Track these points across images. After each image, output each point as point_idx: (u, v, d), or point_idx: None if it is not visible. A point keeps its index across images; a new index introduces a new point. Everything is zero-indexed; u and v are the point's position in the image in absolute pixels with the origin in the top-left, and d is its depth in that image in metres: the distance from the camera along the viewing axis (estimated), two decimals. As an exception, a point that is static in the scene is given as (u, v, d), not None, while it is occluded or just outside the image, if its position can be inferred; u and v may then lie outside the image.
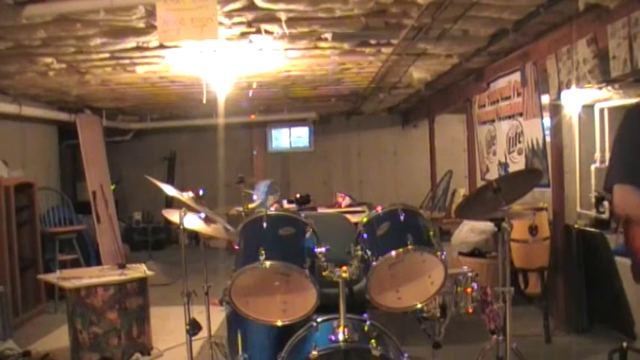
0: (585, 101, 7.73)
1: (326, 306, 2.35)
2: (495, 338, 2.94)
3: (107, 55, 4.35)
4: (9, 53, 4.11)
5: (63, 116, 6.99)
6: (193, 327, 2.98)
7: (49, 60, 4.43)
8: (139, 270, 4.19)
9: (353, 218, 4.28)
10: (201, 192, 3.02)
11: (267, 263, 2.22)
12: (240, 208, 5.53)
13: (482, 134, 5.67)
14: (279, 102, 8.06)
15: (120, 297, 3.90)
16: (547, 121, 4.32)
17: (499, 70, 5.00)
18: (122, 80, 5.54)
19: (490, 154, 5.48)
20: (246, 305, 2.36)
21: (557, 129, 4.32)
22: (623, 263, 4.23)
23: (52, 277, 4.23)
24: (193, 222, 2.99)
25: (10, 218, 5.04)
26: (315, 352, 2.20)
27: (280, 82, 6.11)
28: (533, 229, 4.13)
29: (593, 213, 8.09)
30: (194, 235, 5.82)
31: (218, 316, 4.14)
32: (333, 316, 2.40)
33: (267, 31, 3.83)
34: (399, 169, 9.95)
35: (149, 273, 4.15)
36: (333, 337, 2.29)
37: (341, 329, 2.29)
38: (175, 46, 4.11)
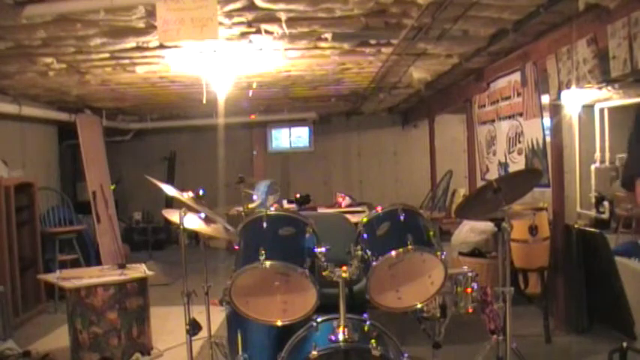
0: (585, 101, 7.73)
1: (326, 306, 2.35)
2: (495, 338, 2.94)
3: (107, 55, 4.35)
4: (9, 53, 4.11)
5: (63, 116, 6.99)
6: (193, 327, 2.97)
7: (49, 60, 4.43)
8: (139, 270, 4.19)
9: (353, 218, 4.29)
10: (201, 192, 3.02)
11: (267, 263, 2.22)
12: (240, 208, 5.53)
13: (483, 134, 5.67)
14: (279, 102, 8.06)
15: (120, 297, 3.90)
16: (547, 121, 4.32)
17: (499, 70, 5.00)
18: (122, 80, 5.54)
19: (490, 154, 5.48)
20: (246, 305, 2.36)
21: (557, 129, 4.32)
22: (623, 263, 4.25)
23: (52, 277, 4.23)
24: (193, 222, 2.99)
25: (10, 218, 5.04)
26: (315, 352, 2.20)
27: (280, 82, 6.11)
28: (533, 229, 4.13)
29: (593, 213, 8.10)
30: (194, 235, 5.82)
31: (218, 316, 4.14)
32: (333, 316, 2.40)
33: (267, 31, 3.83)
34: (399, 169, 9.95)
35: (149, 273, 4.15)
36: (333, 337, 2.29)
37: (341, 329, 2.30)
38: (175, 46, 4.11)
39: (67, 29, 3.57)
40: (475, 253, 4.92)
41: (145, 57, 4.48)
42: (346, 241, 2.46)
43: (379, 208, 2.48)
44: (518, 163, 4.73)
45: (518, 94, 4.60)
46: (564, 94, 3.88)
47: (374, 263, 2.26)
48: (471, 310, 2.91)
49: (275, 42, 4.14)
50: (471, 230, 4.98)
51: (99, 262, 6.34)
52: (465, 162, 6.54)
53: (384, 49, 4.55)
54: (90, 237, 6.71)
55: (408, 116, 9.77)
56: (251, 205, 5.56)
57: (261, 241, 2.31)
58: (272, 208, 4.21)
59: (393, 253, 2.25)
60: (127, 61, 4.64)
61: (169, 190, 3.00)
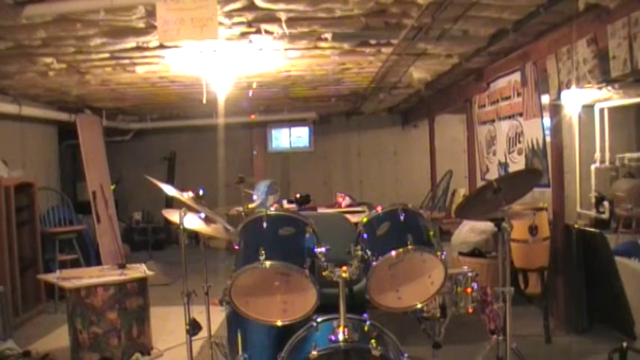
0: (585, 101, 7.73)
1: (326, 306, 2.35)
2: (495, 338, 2.94)
3: (107, 55, 4.35)
4: (9, 53, 4.11)
5: (63, 116, 6.99)
6: (193, 327, 2.97)
7: (49, 60, 4.43)
8: (139, 270, 4.19)
9: (353, 218, 4.29)
10: (201, 192, 3.02)
11: (267, 263, 2.22)
12: (240, 208, 5.53)
13: (483, 134, 5.67)
14: (279, 102, 8.06)
15: (120, 297, 3.90)
16: (547, 121, 4.32)
17: (499, 70, 5.00)
18: (122, 80, 5.54)
19: (490, 154, 5.48)
20: (246, 305, 2.36)
21: (557, 129, 4.32)
22: (623, 263, 4.25)
23: (52, 277, 4.23)
24: (193, 222, 2.99)
25: (10, 218, 5.04)
26: (315, 352, 2.20)
27: (280, 82, 6.11)
28: (533, 229, 4.13)
29: (593, 213, 8.10)
30: (194, 235, 5.82)
31: (218, 316, 4.14)
32: (333, 316, 2.40)
33: (267, 31, 3.83)
34: (399, 169, 9.95)
35: (149, 273, 4.15)
36: (333, 337, 2.29)
37: (341, 329, 2.30)
38: (175, 46, 4.11)
39: (67, 29, 3.57)
40: (475, 253, 4.92)
41: (145, 57, 4.48)
42: (346, 241, 2.46)
43: (379, 208, 2.48)
44: (518, 163, 4.73)
45: (518, 94, 4.60)
46: (564, 94, 3.88)
47: (374, 263, 2.26)
48: (470, 310, 2.91)
49: (275, 42, 4.14)
50: (471, 230, 4.97)
51: (99, 262, 6.34)
52: (465, 162, 6.54)
53: (384, 49, 4.55)
54: (90, 237, 6.71)
55: (408, 116, 9.77)
56: (251, 205, 5.56)
57: (261, 241, 2.31)
58: (272, 208, 4.21)
59: (393, 253, 2.25)
60: (127, 61, 4.64)
61: (169, 190, 3.00)
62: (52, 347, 4.23)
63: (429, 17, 3.58)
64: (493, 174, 5.33)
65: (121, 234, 7.79)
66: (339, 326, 2.31)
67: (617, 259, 4.19)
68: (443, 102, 7.22)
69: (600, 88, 6.24)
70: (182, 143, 9.72)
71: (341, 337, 2.28)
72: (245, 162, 9.79)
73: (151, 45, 4.05)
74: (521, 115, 4.58)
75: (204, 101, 5.38)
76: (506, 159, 5.02)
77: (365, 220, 2.49)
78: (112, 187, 7.79)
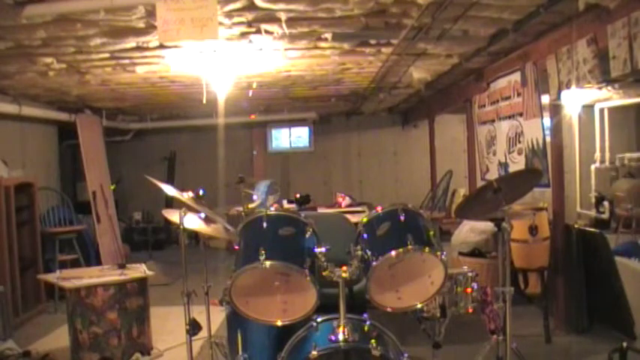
0: (585, 101, 7.73)
1: (326, 306, 2.35)
2: (495, 338, 2.94)
3: (107, 55, 4.35)
4: (9, 53, 4.11)
5: (63, 116, 6.99)
6: (193, 327, 2.97)
7: (49, 60, 4.43)
8: (139, 270, 4.19)
9: (353, 218, 4.29)
10: (201, 192, 3.02)
11: (267, 263, 2.22)
12: (240, 208, 5.53)
13: (483, 134, 5.67)
14: (279, 102, 8.06)
15: (120, 297, 3.90)
16: (547, 121, 4.32)
17: (499, 70, 5.00)
18: (122, 80, 5.54)
19: (490, 154, 5.48)
20: (246, 305, 2.36)
21: (557, 129, 4.32)
22: (623, 263, 4.24)
23: (52, 277, 4.23)
24: (193, 222, 2.99)
25: (10, 218, 5.04)
26: (315, 352, 2.21)
27: (280, 82, 6.11)
28: (533, 229, 4.13)
29: (593, 213, 8.10)
30: (194, 235, 5.82)
31: (218, 316, 4.14)
32: (333, 316, 2.40)
33: (267, 31, 3.83)
34: (399, 169, 9.95)
35: (149, 273, 4.15)
36: (333, 337, 2.29)
37: (341, 329, 2.30)
38: (175, 46, 4.11)
39: (67, 29, 3.57)
40: (475, 253, 4.92)
41: (145, 57, 4.48)
42: (346, 241, 2.46)
43: (379, 208, 2.48)
44: (518, 163, 4.73)
45: (518, 94, 4.60)
46: (564, 94, 3.88)
47: (374, 263, 2.26)
48: (470, 310, 2.91)
49: (275, 42, 4.14)
50: (470, 230, 4.97)
51: (99, 262, 6.34)
52: (465, 162, 6.54)
53: (384, 49, 4.55)
54: (90, 237, 6.71)
55: (408, 116, 9.77)
56: (251, 205, 5.56)
57: (261, 241, 2.31)
58: (272, 208, 4.21)
59: (393, 253, 2.25)
60: (127, 61, 4.63)
61: (169, 190, 3.00)
62: (52, 347, 4.23)
63: (429, 17, 3.58)
64: (493, 174, 5.33)
65: (121, 234, 7.79)
66: (339, 326, 2.31)
67: (617, 259, 4.19)
68: (443, 102, 7.22)
69: (600, 88, 6.24)
70: (182, 143, 9.72)
71: (341, 337, 2.28)
72: (245, 162, 9.79)
73: (151, 45, 4.05)
74: (521, 115, 4.58)
75: (204, 101, 5.38)
76: (506, 159, 5.02)
77: (365, 220, 2.49)
78: (112, 187, 7.79)
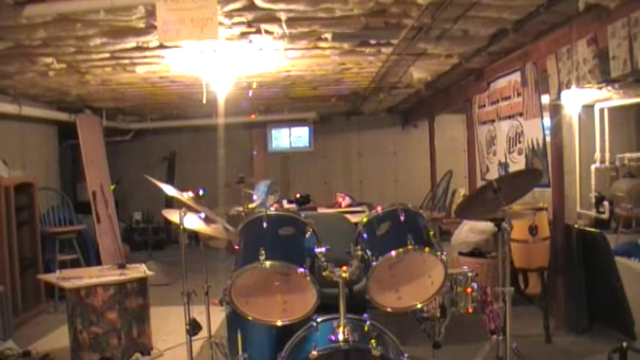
0: (585, 101, 7.74)
1: (326, 306, 2.35)
2: (495, 338, 2.94)
3: (107, 55, 4.35)
4: (9, 53, 4.11)
5: (63, 116, 6.99)
6: (193, 327, 2.98)
7: (49, 60, 4.43)
8: (139, 270, 4.19)
9: (353, 218, 4.28)
10: (201, 192, 3.02)
11: (267, 263, 2.22)
12: (240, 208, 5.53)
13: (483, 134, 5.67)
14: (279, 102, 8.06)
15: (120, 297, 3.90)
16: (547, 121, 4.32)
17: (499, 70, 5.00)
18: (122, 80, 5.54)
19: (490, 154, 5.48)
20: (246, 305, 2.36)
21: (557, 129, 4.32)
22: (623, 263, 4.25)
23: (52, 277, 4.23)
24: (193, 222, 2.99)
25: (10, 218, 5.04)
26: (315, 352, 2.20)
27: (280, 82, 6.11)
28: (533, 229, 4.12)
29: (593, 213, 8.10)
30: (194, 235, 5.82)
31: (218, 316, 4.14)
32: (333, 316, 2.40)
33: (267, 31, 3.83)
34: (399, 169, 9.95)
35: (149, 273, 4.15)
36: (333, 337, 2.29)
37: (341, 329, 2.29)
38: (175, 46, 4.11)
39: (67, 29, 3.57)
40: (475, 253, 4.92)
41: (145, 57, 4.48)
42: (346, 241, 2.46)
43: (379, 208, 2.48)
44: (518, 163, 4.73)
45: (518, 94, 4.60)
46: (564, 94, 3.88)
47: (374, 263, 2.26)
48: (470, 310, 2.91)
49: (275, 42, 4.14)
50: (470, 230, 4.97)
51: (99, 262, 6.34)
52: (465, 162, 6.54)
53: (384, 49, 4.55)
54: (90, 237, 6.71)
55: (408, 116, 9.77)
56: (251, 205, 5.57)
57: (261, 241, 2.31)
58: (272, 208, 4.21)
59: (393, 253, 2.25)
60: (127, 61, 4.64)
61: (169, 190, 3.00)
62: (52, 347, 4.23)
63: (429, 17, 3.58)
64: (493, 174, 5.33)
65: (121, 234, 7.78)
66: (339, 326, 2.31)
67: (617, 259, 4.19)
68: (443, 102, 7.22)
69: (600, 88, 6.25)
70: (182, 143, 9.72)
71: (341, 337, 2.28)
72: (245, 162, 9.79)
73: (151, 45, 4.06)
74: (521, 115, 4.58)
75: (204, 101, 5.37)
76: (506, 159, 5.02)
77: (365, 220, 2.49)
78: (112, 187, 7.79)
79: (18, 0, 3.00)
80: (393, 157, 9.99)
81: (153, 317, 4.19)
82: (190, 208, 2.95)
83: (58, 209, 6.28)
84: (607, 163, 8.30)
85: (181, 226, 2.89)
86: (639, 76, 5.07)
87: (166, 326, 4.61)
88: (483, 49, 4.50)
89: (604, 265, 4.05)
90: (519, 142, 4.68)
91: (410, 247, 2.24)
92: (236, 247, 2.45)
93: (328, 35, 4.03)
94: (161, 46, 4.08)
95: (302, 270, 2.23)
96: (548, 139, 4.29)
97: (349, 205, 6.66)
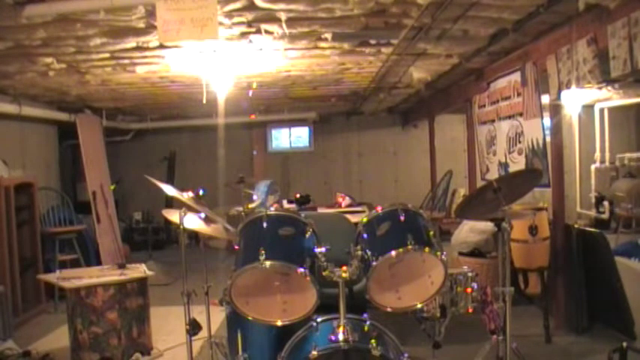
0: (585, 101, 7.74)
1: (326, 306, 2.35)
2: (495, 338, 2.94)
3: (107, 55, 4.35)
4: (9, 53, 4.11)
5: (63, 116, 6.99)
6: (193, 327, 2.98)
7: (49, 60, 4.43)
8: (139, 270, 4.19)
9: (353, 218, 4.28)
10: (201, 192, 3.02)
11: (267, 263, 2.22)
12: (240, 208, 5.53)
13: (483, 134, 5.67)
14: (279, 102, 8.06)
15: (120, 297, 3.90)
16: (547, 121, 4.32)
17: (499, 70, 5.00)
18: (122, 80, 5.54)
19: (490, 154, 5.48)
20: (246, 305, 2.36)
21: (557, 129, 4.32)
22: (623, 263, 4.25)
23: (52, 277, 4.23)
24: (193, 222, 2.99)
25: (10, 218, 5.04)
26: (315, 352, 2.20)
27: (280, 82, 6.11)
28: (533, 229, 4.12)
29: (593, 213, 8.10)
30: (194, 235, 5.82)
31: (218, 316, 4.14)
32: (333, 316, 2.40)
33: (267, 31, 3.83)
34: (399, 169, 9.95)
35: (149, 273, 4.15)
36: (333, 337, 2.29)
37: (341, 329, 2.29)
38: (175, 46, 4.11)
39: (67, 29, 3.57)
40: (475, 253, 4.92)
41: (145, 57, 4.48)
42: (346, 241, 2.46)
43: (379, 208, 2.48)
44: (518, 163, 4.73)
45: (518, 94, 4.60)
46: (564, 94, 3.87)
47: (374, 263, 2.26)
48: (470, 310, 2.91)
49: (275, 42, 4.14)
50: (470, 230, 4.98)
51: (99, 262, 6.34)
52: (465, 162, 6.54)
53: (384, 49, 4.55)
54: (90, 237, 6.71)
55: (408, 116, 9.77)
56: (251, 205, 5.57)
57: (261, 241, 2.31)
58: (272, 208, 4.21)
59: (393, 253, 2.25)
60: (127, 61, 4.64)
61: (169, 190, 3.00)
62: (52, 347, 4.23)
63: (429, 17, 3.58)
64: (493, 174, 5.33)
65: (121, 234, 7.78)
66: (339, 326, 2.31)
67: (617, 259, 4.19)
68: (443, 102, 7.22)
69: (600, 88, 6.24)
70: (182, 143, 9.72)
71: (341, 337, 2.28)
72: (245, 162, 9.79)
73: (151, 45, 4.05)
74: (521, 115, 4.58)
75: (204, 101, 5.37)
76: (506, 159, 5.02)
77: (365, 220, 2.49)
78: (112, 187, 7.79)
79: (18, 0, 3.00)
80: (393, 157, 9.99)
81: (153, 317, 4.19)
82: (190, 208, 2.95)
83: (58, 209, 6.28)
84: (607, 163, 8.30)
85: (181, 226, 2.89)
86: (639, 76, 5.06)
87: (166, 326, 4.61)
88: (483, 49, 4.50)
89: (604, 265, 4.05)
90: (519, 142, 4.68)
91: (410, 247, 2.24)
92: (236, 247, 2.45)
93: (328, 35, 4.03)
94: (161, 46, 4.08)
95: (302, 270, 2.23)
96: (548, 139, 4.29)
97: (349, 205, 6.66)
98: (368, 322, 2.45)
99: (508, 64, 4.77)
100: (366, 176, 9.98)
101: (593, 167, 8.37)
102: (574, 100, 7.16)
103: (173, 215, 3.04)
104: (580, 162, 8.31)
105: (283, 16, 3.49)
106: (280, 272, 2.32)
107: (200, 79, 5.12)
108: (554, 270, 4.25)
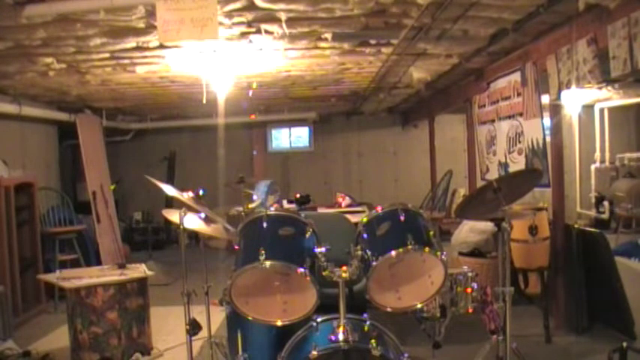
0: (585, 101, 7.74)
1: (326, 306, 2.35)
2: (495, 338, 2.94)
3: (107, 55, 4.35)
4: (9, 53, 4.11)
5: (63, 116, 6.99)
6: (193, 327, 2.98)
7: (49, 60, 4.43)
8: (139, 270, 4.19)
9: (353, 218, 4.28)
10: (201, 192, 3.02)
11: (267, 263, 2.22)
12: (240, 208, 5.53)
13: (483, 134, 5.67)
14: (279, 102, 8.06)
15: (120, 297, 3.90)
16: (547, 121, 4.32)
17: (499, 70, 5.00)
18: (122, 80, 5.54)
19: (490, 154, 5.48)
20: (246, 305, 2.36)
21: (557, 129, 4.32)
22: (623, 263, 4.25)
23: (52, 277, 4.23)
24: (193, 222, 2.99)
25: (10, 218, 5.04)
26: (315, 352, 2.20)
27: (280, 82, 6.11)
28: (533, 229, 4.12)
29: (593, 213, 8.11)
30: (194, 235, 5.82)
31: (218, 316, 4.14)
32: (333, 316, 2.40)
33: (267, 31, 3.83)
34: (399, 169, 9.95)
35: (149, 273, 4.15)
36: (333, 337, 2.29)
37: (341, 329, 2.30)
38: (175, 46, 4.11)
39: (67, 29, 3.57)
40: (475, 253, 4.92)
41: (145, 57, 4.48)
42: (346, 241, 2.46)
43: (379, 208, 2.48)
44: (518, 163, 4.73)
45: (518, 94, 4.60)
46: (564, 94, 3.87)
47: (374, 263, 2.26)
48: (470, 310, 2.91)
49: (275, 42, 4.14)
50: (470, 230, 4.98)
51: (99, 262, 6.34)
52: (465, 162, 6.54)
53: (384, 49, 4.55)
54: (90, 237, 6.71)
55: (408, 116, 9.77)
56: (251, 205, 5.57)
57: (261, 241, 2.31)
58: (272, 208, 4.21)
59: (393, 253, 2.25)
60: (127, 61, 4.64)
61: (169, 190, 3.00)
62: (52, 347, 4.23)
63: (429, 17, 3.58)
64: (493, 174, 5.33)
65: (121, 234, 7.78)
66: (339, 326, 2.31)
67: (617, 259, 4.19)
68: (443, 102, 7.22)
69: (600, 88, 6.25)
70: (182, 143, 9.72)
71: (341, 337, 2.28)
72: (245, 162, 9.79)
73: (151, 45, 4.05)
74: (521, 115, 4.58)
75: (204, 101, 5.37)
76: (506, 159, 5.02)
77: (365, 220, 2.49)
78: (112, 187, 7.79)
79: (18, 0, 3.00)
80: (393, 157, 9.99)
81: (153, 317, 4.20)
82: (190, 208, 2.95)
83: (58, 209, 6.28)
84: (607, 163, 8.31)
85: (181, 226, 2.89)
86: (639, 76, 5.07)
87: (166, 326, 4.61)
88: (483, 49, 4.50)
89: (604, 265, 4.05)
90: (519, 142, 4.68)
91: (410, 247, 2.24)
92: (236, 247, 2.45)
93: (328, 35, 4.03)
94: (161, 46, 4.08)
95: (302, 270, 2.23)
96: (548, 139, 4.29)
97: (349, 205, 6.66)
98: (368, 322, 2.45)
99: (508, 64, 4.77)
100: (366, 176, 9.98)
101: (593, 167, 8.37)
102: (574, 100, 7.16)
103: (173, 215, 3.04)
104: (580, 162, 8.31)
105: (283, 16, 3.49)
106: (280, 272, 2.32)
107: (200, 79, 5.12)
108: (554, 270, 4.25)
